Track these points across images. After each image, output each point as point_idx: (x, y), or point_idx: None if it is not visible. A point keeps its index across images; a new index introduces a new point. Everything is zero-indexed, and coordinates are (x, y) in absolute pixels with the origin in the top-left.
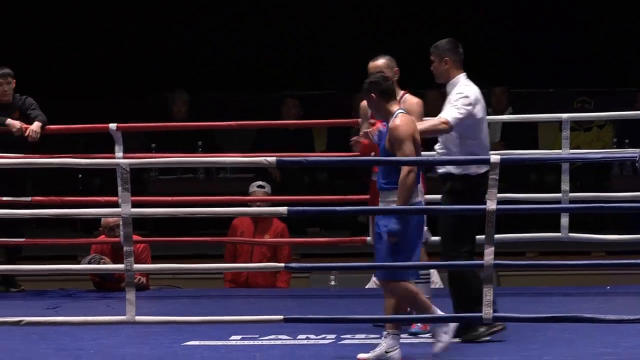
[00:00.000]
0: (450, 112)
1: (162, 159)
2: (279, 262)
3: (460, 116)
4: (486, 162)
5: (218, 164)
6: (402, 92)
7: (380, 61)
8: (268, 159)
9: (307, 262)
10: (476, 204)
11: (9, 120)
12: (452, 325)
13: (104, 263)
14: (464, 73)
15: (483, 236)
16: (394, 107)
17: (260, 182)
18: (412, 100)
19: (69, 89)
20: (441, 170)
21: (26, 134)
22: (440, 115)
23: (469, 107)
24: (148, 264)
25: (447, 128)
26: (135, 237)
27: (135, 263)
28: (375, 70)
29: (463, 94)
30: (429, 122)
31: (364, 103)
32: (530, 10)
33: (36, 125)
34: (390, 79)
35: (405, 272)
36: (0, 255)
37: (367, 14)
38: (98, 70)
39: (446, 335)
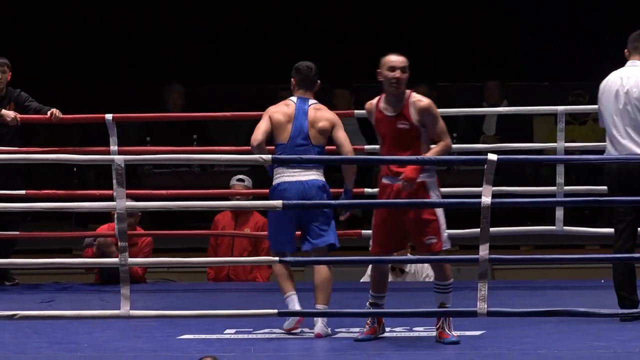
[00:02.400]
0: None
1: (157, 156)
2: (260, 256)
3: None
4: (483, 162)
5: (214, 161)
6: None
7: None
8: (264, 156)
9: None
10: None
11: (4, 111)
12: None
13: (103, 245)
14: (631, 60)
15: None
16: None
17: (240, 176)
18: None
19: (64, 82)
20: None
21: (49, 116)
22: None
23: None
24: (149, 257)
25: None
26: (139, 230)
27: (137, 255)
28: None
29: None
30: None
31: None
32: (526, 3)
33: (55, 110)
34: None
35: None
36: None
37: (362, 6)
38: (93, 63)
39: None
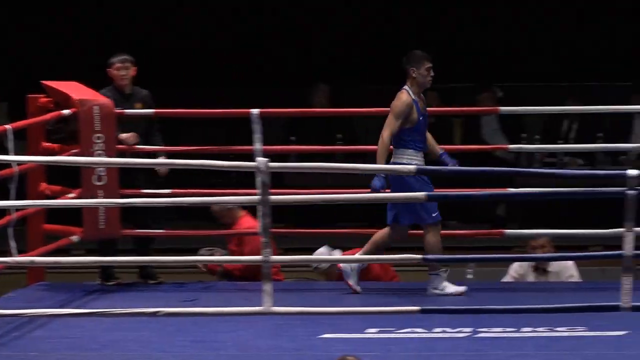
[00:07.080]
0: None
1: (300, 164)
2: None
3: None
4: None
5: (356, 171)
6: None
7: None
8: (409, 167)
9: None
10: None
11: (122, 136)
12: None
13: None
14: None
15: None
16: None
17: None
18: None
19: (211, 79)
20: None
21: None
22: None
23: None
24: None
25: None
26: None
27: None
28: None
29: None
30: None
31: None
32: None
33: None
34: None
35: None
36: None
37: None
38: (243, 61)
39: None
